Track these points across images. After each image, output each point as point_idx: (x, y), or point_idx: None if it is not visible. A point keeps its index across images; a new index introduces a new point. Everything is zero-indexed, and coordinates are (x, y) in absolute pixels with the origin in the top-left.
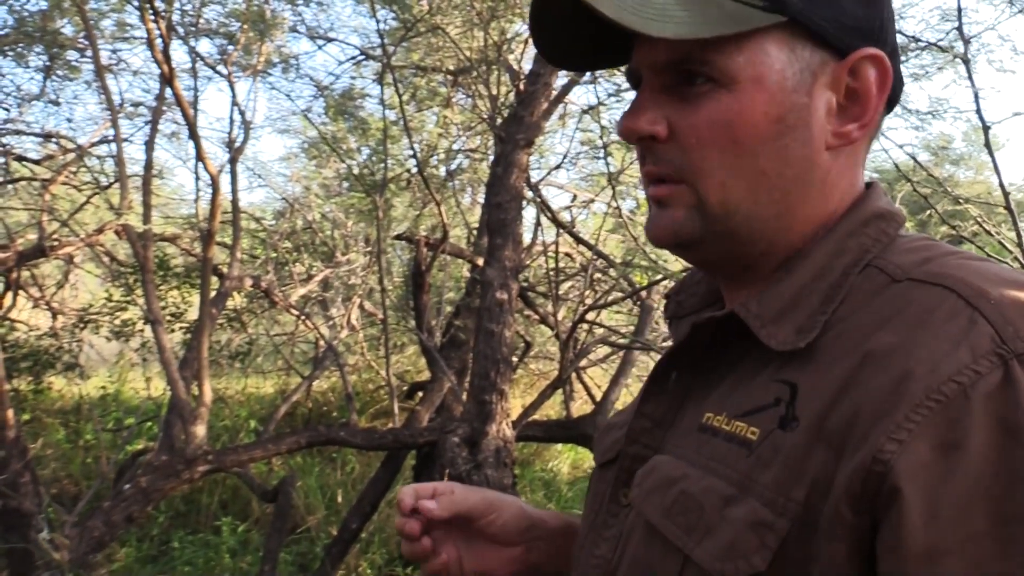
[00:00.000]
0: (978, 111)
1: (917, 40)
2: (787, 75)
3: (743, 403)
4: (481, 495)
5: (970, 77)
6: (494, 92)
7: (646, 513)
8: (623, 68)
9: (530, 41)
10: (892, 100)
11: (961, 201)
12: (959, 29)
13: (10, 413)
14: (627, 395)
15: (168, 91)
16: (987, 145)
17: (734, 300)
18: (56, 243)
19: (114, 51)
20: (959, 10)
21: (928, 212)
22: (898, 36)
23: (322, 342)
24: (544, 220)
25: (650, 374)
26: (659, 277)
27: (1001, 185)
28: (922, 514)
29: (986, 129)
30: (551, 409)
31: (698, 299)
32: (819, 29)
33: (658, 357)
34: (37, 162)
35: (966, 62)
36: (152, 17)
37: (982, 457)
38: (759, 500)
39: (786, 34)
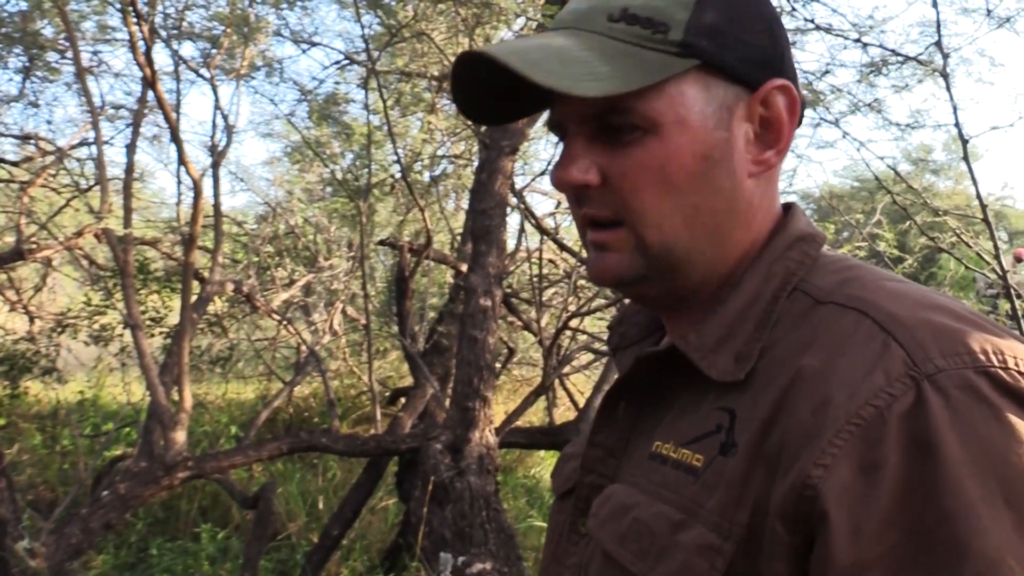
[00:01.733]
0: (957, 124)
1: (897, 54)
2: (707, 113)
3: (688, 431)
4: None
5: (949, 91)
6: None
7: (603, 541)
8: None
9: None
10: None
11: (940, 213)
12: (938, 44)
13: None
14: None
15: (150, 94)
16: (965, 158)
17: (674, 328)
18: (34, 246)
19: (95, 53)
20: (938, 25)
21: (907, 223)
22: (879, 49)
23: (304, 347)
24: (528, 227)
25: (599, 405)
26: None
27: (979, 197)
28: (847, 533)
29: (965, 142)
30: (534, 415)
31: (639, 328)
32: (730, 68)
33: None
34: (16, 164)
35: (945, 76)
36: (135, 20)
37: (898, 474)
38: (706, 525)
39: (700, 75)
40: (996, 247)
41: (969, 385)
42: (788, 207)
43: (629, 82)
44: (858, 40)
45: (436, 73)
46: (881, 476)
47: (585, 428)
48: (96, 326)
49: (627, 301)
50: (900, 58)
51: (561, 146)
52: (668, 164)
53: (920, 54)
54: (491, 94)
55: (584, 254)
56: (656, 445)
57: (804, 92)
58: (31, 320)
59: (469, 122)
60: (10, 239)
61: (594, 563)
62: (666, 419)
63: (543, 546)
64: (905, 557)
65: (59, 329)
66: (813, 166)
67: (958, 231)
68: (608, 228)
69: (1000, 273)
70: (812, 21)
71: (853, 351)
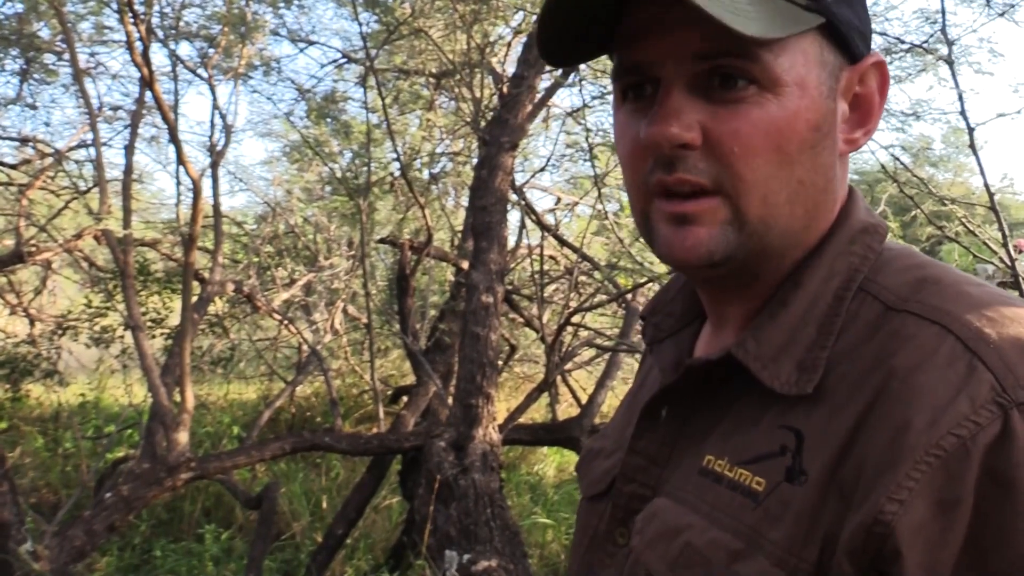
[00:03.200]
0: (963, 112)
1: (902, 42)
2: (822, 79)
3: (746, 448)
4: None
5: (954, 78)
6: (477, 95)
7: (649, 565)
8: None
9: (512, 44)
10: None
11: (947, 202)
12: (943, 31)
13: None
14: (612, 398)
15: (148, 95)
16: (972, 147)
17: (720, 317)
18: (34, 248)
19: (92, 54)
20: (943, 12)
21: (913, 213)
22: (882, 38)
23: (305, 347)
24: (528, 223)
25: (641, 411)
26: (644, 280)
27: (986, 185)
28: (922, 574)
29: (971, 131)
30: (536, 412)
31: (675, 319)
32: (847, 34)
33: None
34: (14, 167)
35: (950, 64)
36: (132, 20)
37: (979, 513)
38: (769, 559)
39: (818, 37)
40: (1004, 235)
41: None
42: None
43: (775, 28)
44: None
45: (434, 70)
46: (959, 514)
47: (611, 422)
48: (97, 328)
49: (628, 296)
50: (904, 46)
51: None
52: (786, 130)
53: (925, 42)
54: (573, 29)
55: (586, 249)
56: (708, 459)
57: None
58: (32, 323)
59: (467, 119)
60: (10, 242)
61: None
62: (718, 429)
63: (571, 546)
64: None
65: (60, 331)
66: None
67: (965, 220)
68: (694, 198)
69: (1009, 262)
70: None
71: (935, 372)
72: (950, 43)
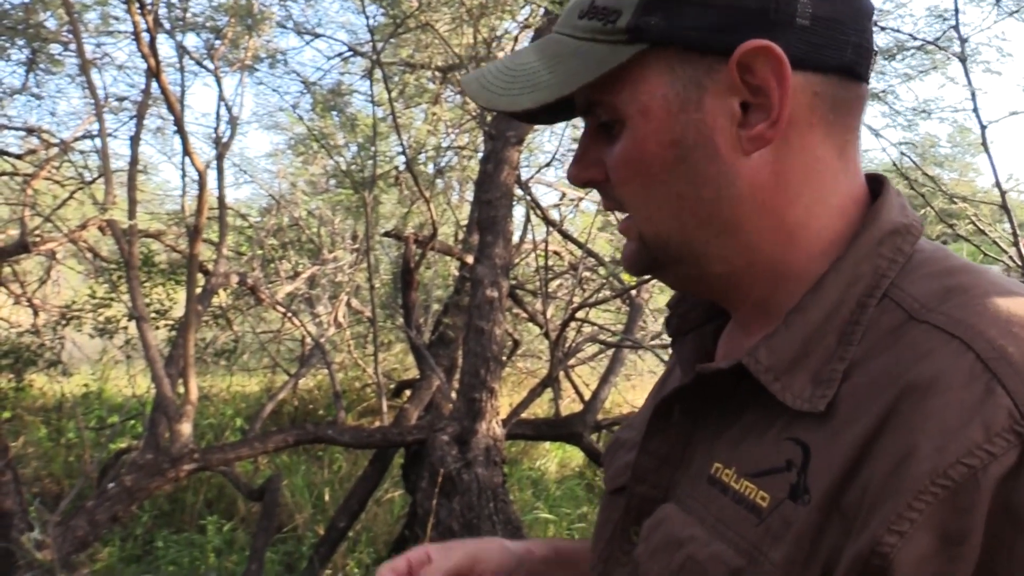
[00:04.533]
0: (975, 110)
1: (914, 38)
2: (670, 97)
3: (753, 460)
4: (461, 551)
5: (967, 75)
6: None
7: (651, 574)
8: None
9: (519, 38)
10: (853, 70)
11: (957, 200)
12: (956, 28)
13: None
14: (615, 393)
15: (154, 86)
16: (984, 144)
17: (739, 319)
18: (38, 239)
19: (98, 45)
20: (956, 9)
21: (923, 212)
22: (893, 35)
23: (308, 340)
24: (533, 218)
25: (653, 410)
26: (648, 276)
27: (997, 183)
28: None
29: (983, 128)
30: (538, 407)
31: (701, 311)
32: (687, 41)
33: (648, 356)
34: (19, 157)
35: (963, 61)
36: (139, 10)
37: (989, 550)
38: None
39: (662, 55)
40: (1015, 233)
41: None
42: (878, 184)
43: (566, 86)
44: (875, 24)
45: (440, 64)
46: (966, 549)
47: (640, 411)
48: (101, 319)
49: (632, 292)
50: (916, 43)
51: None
52: (640, 156)
53: (938, 38)
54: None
55: (591, 245)
56: (716, 468)
57: None
58: (35, 313)
59: (473, 113)
60: (15, 232)
61: None
62: (728, 435)
63: (593, 534)
64: None
65: (64, 322)
66: None
67: (975, 218)
68: (625, 220)
69: (1020, 261)
70: None
71: (949, 393)
72: (963, 40)
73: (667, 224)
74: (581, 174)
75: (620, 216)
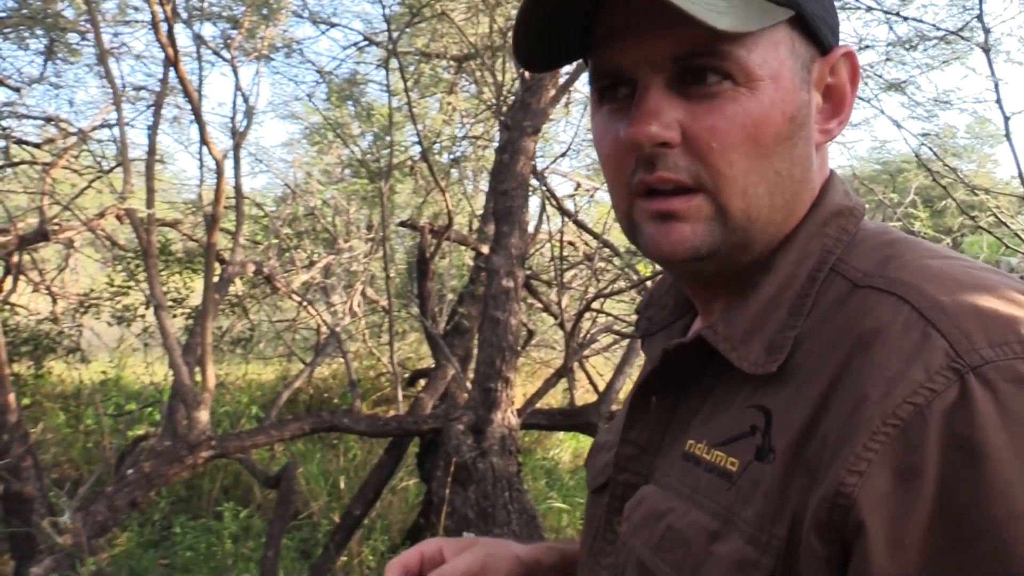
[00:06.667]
0: (998, 101)
1: (937, 28)
2: (795, 71)
3: (722, 431)
4: (471, 555)
5: (990, 66)
6: (499, 79)
7: (635, 549)
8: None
9: None
10: None
11: (978, 192)
12: (980, 18)
13: (11, 397)
14: (630, 384)
15: (172, 75)
16: (1007, 136)
17: (706, 310)
18: (57, 227)
19: (116, 34)
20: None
21: (943, 203)
22: (914, 25)
23: (324, 328)
24: (549, 208)
25: (629, 399)
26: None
27: (1020, 175)
28: (885, 545)
29: (1006, 120)
30: (552, 397)
31: (668, 311)
32: (817, 26)
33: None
34: (38, 146)
35: (987, 52)
36: (157, 0)
37: (940, 479)
38: (742, 537)
39: (788, 29)
40: None
41: (1021, 378)
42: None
43: (748, 21)
44: (898, 14)
45: (456, 53)
46: (921, 482)
47: (617, 415)
48: (119, 307)
49: (649, 283)
50: (939, 33)
51: (592, 101)
52: (762, 123)
53: (961, 29)
54: (548, 33)
55: (606, 236)
56: (689, 444)
57: None
58: (54, 301)
59: (489, 104)
60: (33, 220)
61: (629, 568)
62: (700, 414)
63: (580, 539)
64: (948, 569)
65: (82, 310)
66: (834, 147)
67: (996, 211)
68: (677, 195)
69: None
70: None
71: (890, 342)
72: (987, 30)
73: (760, 202)
74: (663, 131)
75: (665, 194)
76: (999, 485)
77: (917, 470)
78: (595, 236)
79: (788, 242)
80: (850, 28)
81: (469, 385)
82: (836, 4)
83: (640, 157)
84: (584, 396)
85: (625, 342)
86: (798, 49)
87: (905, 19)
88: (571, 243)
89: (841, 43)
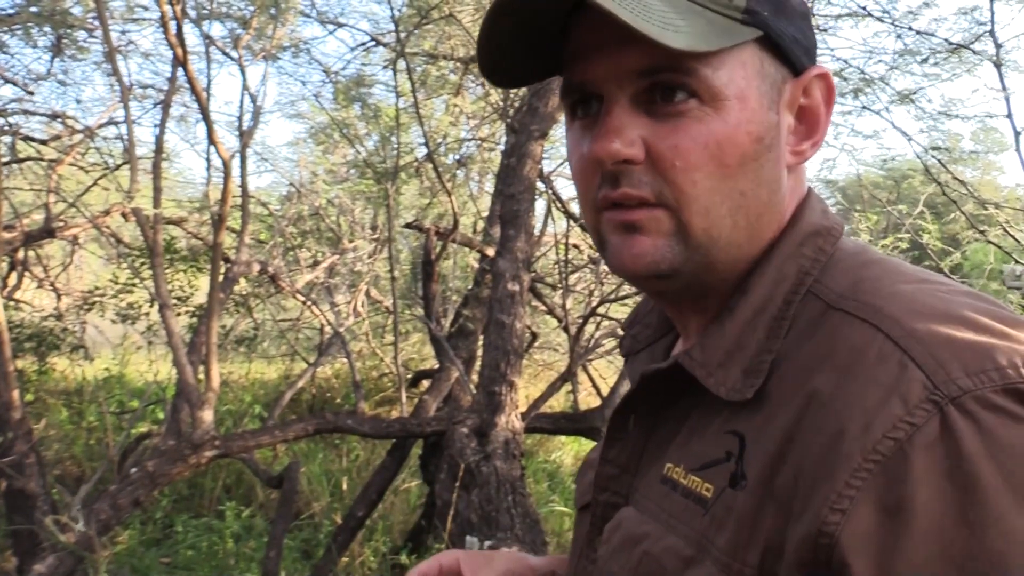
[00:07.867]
0: (1009, 115)
1: (949, 43)
2: (763, 91)
3: (698, 455)
4: (490, 572)
5: (1001, 80)
6: None
7: (613, 573)
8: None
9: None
10: None
11: (988, 206)
12: (991, 33)
13: (15, 394)
14: None
15: (180, 74)
16: (1018, 150)
17: (686, 328)
18: (62, 224)
19: (123, 32)
20: (992, 12)
21: (952, 216)
22: (925, 37)
23: (328, 328)
24: (554, 211)
25: (609, 420)
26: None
27: None
28: None
29: (1017, 135)
30: (554, 400)
31: (652, 330)
32: (786, 46)
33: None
34: (44, 142)
35: (998, 66)
36: None
37: (933, 513)
38: (716, 564)
39: (757, 49)
40: None
41: (1000, 406)
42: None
43: (707, 41)
44: (910, 28)
45: (463, 55)
46: (909, 517)
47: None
48: (123, 304)
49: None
50: (949, 47)
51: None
52: (726, 143)
53: (972, 42)
54: (515, 50)
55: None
56: (668, 467)
57: (848, 79)
58: (58, 297)
59: (495, 106)
60: (39, 217)
61: None
62: (678, 437)
63: (568, 555)
64: None
65: (86, 307)
66: (842, 155)
67: (1006, 225)
68: (641, 208)
69: None
70: (864, 8)
71: (865, 373)
72: (998, 45)
73: (723, 222)
74: (624, 150)
75: (629, 206)
76: (994, 516)
77: (902, 505)
78: None
79: (763, 263)
80: (856, 36)
81: (473, 388)
82: (843, 13)
83: (605, 173)
84: (587, 400)
85: None
86: (767, 69)
87: (918, 32)
88: (576, 246)
89: (817, 64)
